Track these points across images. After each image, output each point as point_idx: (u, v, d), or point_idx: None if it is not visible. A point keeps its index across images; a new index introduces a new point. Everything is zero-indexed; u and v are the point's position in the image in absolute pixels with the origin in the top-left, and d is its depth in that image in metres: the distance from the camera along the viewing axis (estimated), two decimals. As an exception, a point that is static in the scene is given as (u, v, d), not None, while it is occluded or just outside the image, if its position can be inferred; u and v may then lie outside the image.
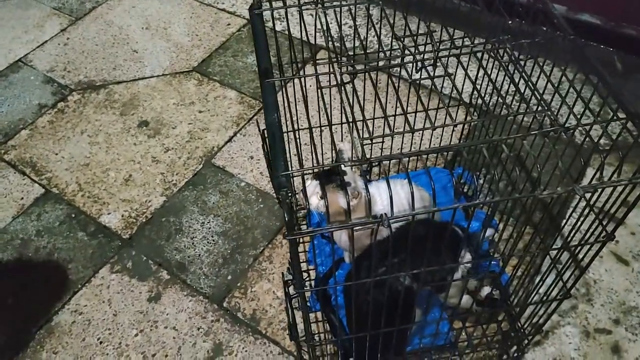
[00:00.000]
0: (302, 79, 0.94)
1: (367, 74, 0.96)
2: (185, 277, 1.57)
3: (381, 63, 1.14)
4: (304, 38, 1.01)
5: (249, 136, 1.94)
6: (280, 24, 2.32)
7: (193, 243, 1.65)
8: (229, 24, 2.40)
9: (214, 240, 1.65)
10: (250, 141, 1.92)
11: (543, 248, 0.89)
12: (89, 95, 2.12)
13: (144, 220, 1.71)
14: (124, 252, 1.64)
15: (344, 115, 0.81)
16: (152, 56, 2.27)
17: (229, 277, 1.57)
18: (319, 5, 0.98)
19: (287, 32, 1.05)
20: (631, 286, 1.51)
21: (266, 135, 0.81)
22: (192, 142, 1.93)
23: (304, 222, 1.61)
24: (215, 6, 2.50)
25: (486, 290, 1.28)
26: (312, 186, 1.12)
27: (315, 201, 1.12)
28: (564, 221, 0.95)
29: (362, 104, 0.77)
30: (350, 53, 1.08)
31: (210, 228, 1.68)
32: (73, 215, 1.73)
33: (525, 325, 1.26)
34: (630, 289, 1.51)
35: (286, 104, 1.01)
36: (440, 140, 1.56)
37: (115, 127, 2.00)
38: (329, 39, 0.89)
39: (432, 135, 1.54)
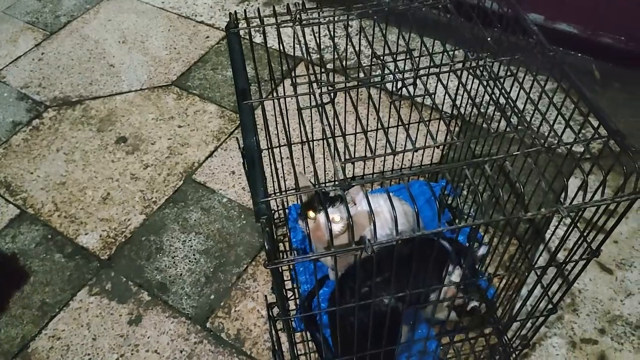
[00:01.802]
0: (281, 98, 0.92)
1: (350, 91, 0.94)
2: (167, 298, 1.53)
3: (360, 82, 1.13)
4: (282, 53, 1.00)
5: (230, 151, 1.91)
6: (260, 37, 2.30)
7: (174, 262, 1.61)
8: (207, 37, 2.38)
9: (195, 259, 1.62)
10: (231, 156, 1.89)
11: (528, 266, 0.88)
12: (64, 112, 2.07)
13: (123, 240, 1.67)
14: (102, 274, 1.59)
15: (322, 134, 0.79)
16: (130, 70, 2.23)
17: (212, 297, 1.53)
18: (297, 23, 0.97)
19: (265, 46, 1.03)
20: (615, 295, 1.52)
21: (244, 156, 0.78)
22: (172, 158, 1.90)
23: (285, 240, 1.59)
24: (194, 19, 2.47)
25: (472, 303, 1.27)
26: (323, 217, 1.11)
27: (338, 227, 1.11)
28: (549, 235, 0.94)
29: (342, 125, 0.75)
30: (330, 70, 1.07)
31: (192, 246, 1.65)
32: (49, 237, 1.68)
33: (513, 339, 1.25)
34: (614, 298, 1.51)
35: (269, 120, 0.99)
36: (422, 156, 1.56)
37: (92, 144, 1.95)
38: (307, 56, 0.87)
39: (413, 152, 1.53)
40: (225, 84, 2.15)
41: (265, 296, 1.44)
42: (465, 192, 1.61)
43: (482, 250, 1.15)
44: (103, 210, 1.75)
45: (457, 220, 1.54)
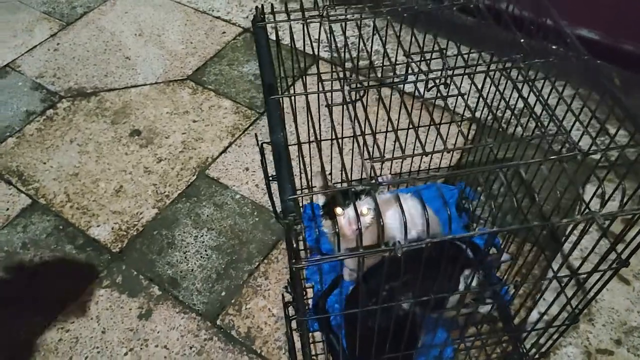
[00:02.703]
0: (309, 95, 0.90)
1: (374, 90, 0.93)
2: (178, 293, 1.52)
3: (389, 80, 1.11)
4: (308, 51, 0.98)
5: (244, 147, 1.90)
6: (282, 33, 2.28)
7: (186, 257, 1.60)
8: (224, 32, 2.36)
9: (207, 255, 1.61)
10: (245, 152, 1.88)
11: (553, 276, 0.86)
12: (79, 103, 2.06)
13: (134, 233, 1.66)
14: (113, 267, 1.58)
15: (353, 132, 0.78)
16: (145, 63, 2.22)
17: (223, 294, 1.52)
18: (325, 19, 0.95)
19: (288, 45, 1.01)
20: (632, 306, 1.49)
21: (271, 151, 0.77)
22: (186, 153, 1.89)
23: (300, 239, 1.57)
24: (211, 14, 2.46)
25: (484, 308, 1.25)
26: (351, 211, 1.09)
27: (367, 219, 1.10)
28: (571, 246, 0.92)
29: (372, 124, 0.74)
30: (359, 68, 1.05)
31: (203, 242, 1.64)
32: (61, 227, 1.67)
33: (530, 348, 1.22)
34: (631, 309, 1.49)
35: (291, 117, 0.97)
36: (451, 157, 1.53)
37: (106, 136, 1.95)
38: (334, 53, 0.86)
39: (432, 150, 1.51)
40: (241, 80, 2.14)
41: (282, 295, 1.42)
42: (483, 199, 1.59)
43: (505, 257, 1.13)
44: (115, 203, 1.74)
45: (475, 225, 1.52)
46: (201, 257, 1.60)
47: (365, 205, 1.12)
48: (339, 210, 1.07)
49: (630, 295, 1.51)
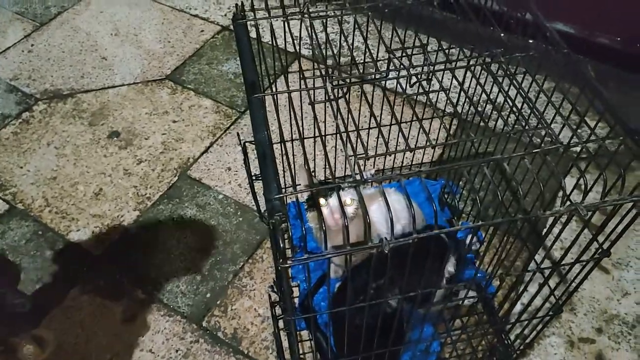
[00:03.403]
0: (289, 94, 0.90)
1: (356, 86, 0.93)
2: (162, 296, 1.50)
3: (372, 76, 1.11)
4: (290, 49, 0.97)
5: (225, 147, 1.88)
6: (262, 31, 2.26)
7: (169, 260, 1.58)
8: (202, 31, 2.34)
9: (191, 256, 1.59)
10: (227, 152, 1.86)
11: (536, 268, 0.88)
12: (55, 105, 2.02)
13: (116, 237, 1.63)
14: (95, 271, 1.55)
15: (334, 129, 0.77)
16: (123, 63, 2.18)
17: (208, 295, 1.51)
18: (305, 15, 0.95)
19: (269, 43, 1.01)
20: (612, 294, 1.52)
21: (255, 150, 0.76)
22: (167, 154, 1.86)
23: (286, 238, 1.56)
24: (188, 12, 2.43)
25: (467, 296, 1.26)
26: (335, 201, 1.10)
27: (351, 210, 1.10)
28: (554, 238, 0.93)
29: (355, 121, 0.73)
30: (341, 65, 1.05)
31: (187, 243, 1.62)
32: (40, 233, 1.64)
33: (514, 339, 1.24)
34: (611, 297, 1.52)
35: (272, 115, 0.97)
36: (434, 152, 1.54)
37: (84, 138, 1.91)
38: (316, 49, 0.85)
39: (415, 145, 1.52)
40: (221, 79, 2.12)
41: (269, 294, 1.41)
42: (465, 193, 1.60)
43: (476, 245, 1.14)
44: (95, 206, 1.71)
45: (456, 219, 1.53)
46: (185, 259, 1.59)
47: (348, 196, 1.12)
48: (322, 200, 1.08)
49: (610, 284, 1.54)
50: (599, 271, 1.57)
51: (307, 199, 1.12)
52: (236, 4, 0.96)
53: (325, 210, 1.09)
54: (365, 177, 0.69)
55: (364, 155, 0.72)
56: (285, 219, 0.65)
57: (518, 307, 1.19)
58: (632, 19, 1.97)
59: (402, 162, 1.70)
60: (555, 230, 0.88)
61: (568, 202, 0.71)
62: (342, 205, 0.65)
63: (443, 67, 0.80)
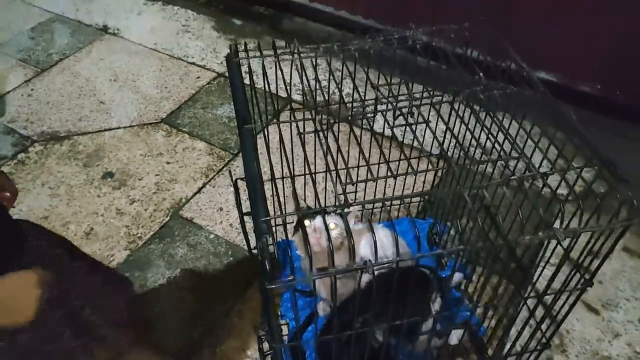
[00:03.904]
0: (279, 127, 0.94)
1: (341, 124, 0.97)
2: (151, 336, 1.48)
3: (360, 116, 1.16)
4: (281, 94, 1.02)
5: (218, 187, 1.91)
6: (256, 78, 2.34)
7: (159, 299, 1.57)
8: (198, 77, 2.42)
9: (181, 296, 1.58)
10: (219, 192, 1.89)
11: (522, 298, 0.89)
12: (51, 147, 2.06)
13: (106, 276, 1.63)
14: (83, 310, 1.54)
15: (325, 161, 0.80)
16: (120, 107, 2.24)
17: (197, 335, 1.49)
18: (295, 55, 1.00)
19: (262, 89, 1.06)
20: (603, 335, 1.52)
21: (245, 181, 0.79)
22: (159, 194, 1.88)
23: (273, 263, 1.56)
24: (185, 60, 2.52)
25: (455, 335, 1.25)
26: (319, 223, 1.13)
27: (336, 232, 1.12)
28: (539, 270, 0.95)
29: (343, 155, 0.77)
30: (329, 105, 1.10)
31: (177, 283, 1.61)
32: (29, 271, 1.63)
33: (505, 378, 1.23)
34: (602, 339, 1.51)
35: (265, 150, 1.00)
36: (412, 190, 1.58)
37: (78, 179, 1.93)
38: (306, 87, 0.90)
39: (403, 185, 1.55)
40: (215, 122, 2.17)
41: (256, 327, 1.40)
42: (452, 232, 1.62)
43: (457, 277, 1.16)
44: (86, 246, 1.71)
45: (445, 259, 1.54)
46: (175, 298, 1.58)
47: (332, 220, 1.16)
48: (306, 222, 1.11)
49: (600, 325, 1.54)
50: (589, 312, 1.57)
51: (295, 225, 1.16)
52: (230, 45, 1.01)
53: (309, 230, 1.12)
54: (350, 202, 0.72)
55: (350, 182, 0.75)
56: (272, 242, 0.67)
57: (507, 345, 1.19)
58: (611, 66, 2.07)
59: (391, 203, 1.72)
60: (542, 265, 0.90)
61: (547, 230, 0.74)
62: (326, 227, 0.67)
63: (427, 102, 0.84)
